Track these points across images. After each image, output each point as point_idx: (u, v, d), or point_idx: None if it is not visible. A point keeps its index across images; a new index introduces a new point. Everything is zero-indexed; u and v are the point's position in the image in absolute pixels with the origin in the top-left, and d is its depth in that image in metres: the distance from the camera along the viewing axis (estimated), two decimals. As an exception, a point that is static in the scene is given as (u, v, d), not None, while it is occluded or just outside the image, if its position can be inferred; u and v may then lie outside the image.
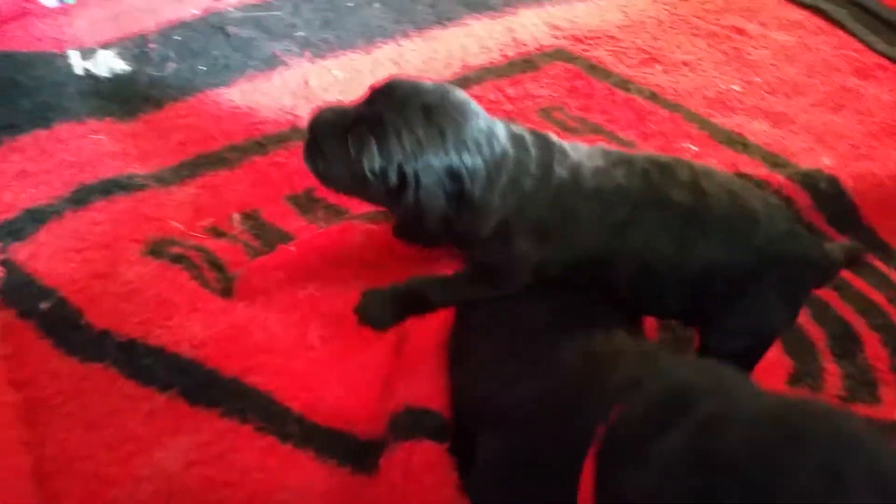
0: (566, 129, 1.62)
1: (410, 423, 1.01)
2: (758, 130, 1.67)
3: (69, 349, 1.09)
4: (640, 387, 0.80)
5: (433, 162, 0.98)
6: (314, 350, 1.15)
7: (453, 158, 0.98)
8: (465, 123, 0.99)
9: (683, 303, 1.09)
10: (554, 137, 1.09)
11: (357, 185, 1.03)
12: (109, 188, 1.30)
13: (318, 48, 1.73)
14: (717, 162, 1.55)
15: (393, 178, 0.99)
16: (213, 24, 1.73)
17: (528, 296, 1.10)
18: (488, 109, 1.61)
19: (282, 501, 0.98)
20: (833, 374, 1.24)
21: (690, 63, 1.85)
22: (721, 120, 1.69)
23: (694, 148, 1.61)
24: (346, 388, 1.11)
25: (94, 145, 1.38)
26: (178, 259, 1.22)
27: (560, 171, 1.04)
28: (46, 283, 1.16)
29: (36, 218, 1.24)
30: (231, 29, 1.73)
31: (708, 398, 0.72)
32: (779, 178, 1.46)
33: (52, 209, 1.25)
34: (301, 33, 1.76)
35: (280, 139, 1.49)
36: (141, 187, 1.33)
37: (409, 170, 0.98)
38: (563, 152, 1.06)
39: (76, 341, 1.10)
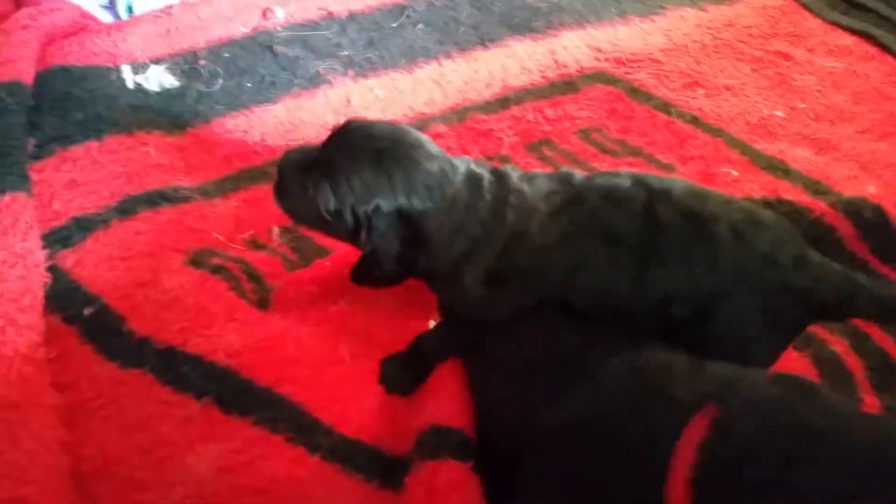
0: (605, 151, 1.61)
1: (435, 442, 1.01)
2: (800, 157, 1.64)
3: (109, 355, 1.13)
4: (722, 402, 0.80)
5: (382, 205, 0.99)
6: (344, 364, 1.16)
7: (402, 201, 1.00)
8: (415, 167, 1.00)
9: (651, 326, 1.04)
10: (514, 178, 1.06)
11: (320, 224, 1.06)
12: (155, 199, 1.34)
13: (361, 67, 1.76)
14: (757, 188, 1.53)
15: (349, 219, 1.01)
16: (261, 43, 1.77)
17: (553, 309, 1.08)
18: (526, 131, 1.65)
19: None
20: (871, 407, 1.20)
21: (733, 88, 1.82)
22: (763, 146, 1.66)
23: (734, 173, 1.58)
24: (374, 404, 1.12)
25: (143, 157, 1.42)
26: (217, 270, 1.25)
27: (511, 218, 1.02)
28: (91, 289, 1.19)
29: (83, 226, 1.28)
30: (278, 48, 1.76)
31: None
32: (821, 205, 1.42)
33: (99, 218, 1.30)
34: (345, 52, 1.79)
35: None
36: (185, 199, 1.36)
37: (360, 212, 1.00)
38: (520, 196, 1.04)
39: (117, 347, 1.13)
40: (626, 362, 0.92)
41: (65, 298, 1.18)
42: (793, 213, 1.38)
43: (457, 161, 1.06)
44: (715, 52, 1.93)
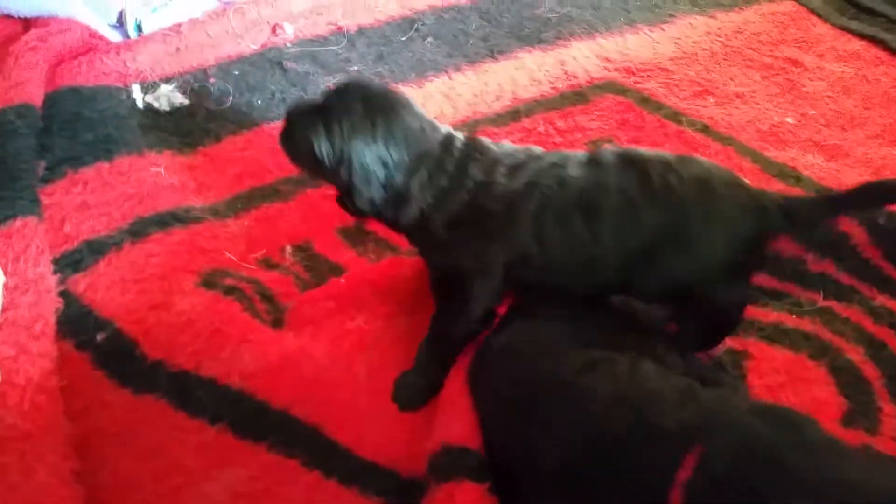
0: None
1: (449, 464, 0.98)
2: (811, 164, 1.60)
3: (123, 380, 1.10)
4: (707, 437, 0.82)
5: (363, 147, 1.10)
6: (360, 383, 1.14)
7: (380, 147, 1.10)
8: (397, 118, 1.11)
9: (621, 276, 1.12)
10: (485, 141, 1.16)
11: (313, 164, 1.13)
12: (167, 220, 1.32)
13: (371, 82, 1.74)
14: (769, 196, 1.49)
15: (332, 155, 1.11)
16: (270, 59, 1.75)
17: (546, 321, 1.09)
18: (537, 142, 1.62)
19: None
20: (890, 416, 1.16)
21: (744, 95, 1.79)
22: (774, 153, 1.62)
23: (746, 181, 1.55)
24: (391, 424, 1.09)
25: (154, 178, 1.40)
26: (230, 291, 1.22)
27: (474, 170, 1.12)
28: (103, 314, 1.17)
29: (95, 249, 1.25)
30: (288, 64, 1.74)
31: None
32: (836, 213, 1.39)
33: (111, 241, 1.27)
34: (355, 67, 1.77)
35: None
36: (197, 220, 1.34)
37: (345, 151, 1.10)
38: (486, 151, 1.14)
39: (130, 372, 1.11)
40: (609, 383, 0.93)
41: (77, 324, 1.15)
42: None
43: (439, 125, 1.17)
44: (725, 59, 1.90)
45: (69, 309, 1.17)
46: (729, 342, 1.21)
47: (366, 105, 1.10)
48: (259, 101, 1.65)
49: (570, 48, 1.89)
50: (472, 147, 1.14)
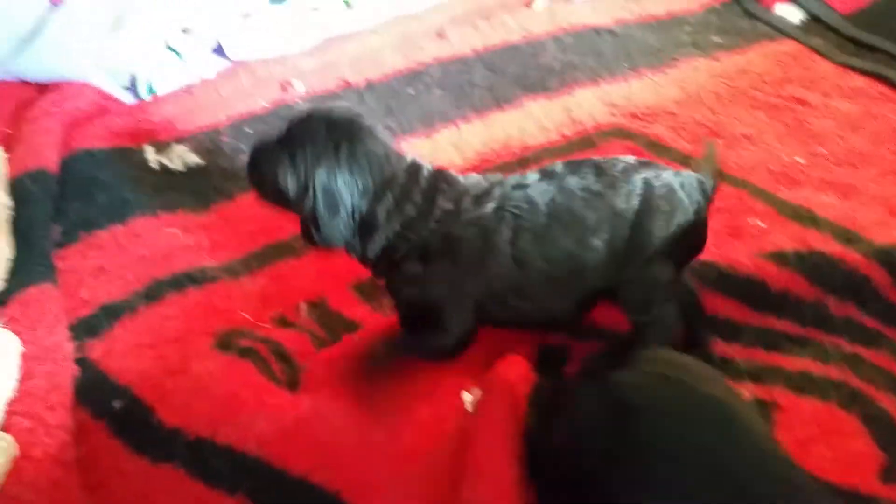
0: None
1: None
2: (826, 203, 1.57)
3: (140, 449, 1.07)
4: None
5: (327, 174, 1.08)
6: (379, 447, 1.10)
7: (345, 173, 1.08)
8: (361, 144, 1.10)
9: (606, 280, 1.14)
10: (451, 172, 1.16)
11: (279, 197, 1.13)
12: (182, 282, 1.31)
13: (380, 135, 1.74)
14: (787, 238, 1.46)
15: (296, 185, 1.10)
16: (282, 117, 1.72)
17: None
18: None
19: None
20: (931, 464, 1.12)
21: (752, 136, 1.77)
22: (787, 194, 1.60)
23: (762, 224, 1.52)
24: (414, 488, 1.05)
25: (168, 239, 1.39)
26: (246, 353, 1.20)
27: (441, 201, 1.12)
28: (119, 381, 1.15)
29: (111, 314, 1.24)
30: (298, 118, 1.75)
31: None
32: (854, 255, 1.35)
33: (126, 304, 1.26)
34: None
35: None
36: (212, 280, 1.33)
37: (309, 179, 1.09)
38: (452, 181, 1.15)
39: (147, 441, 1.08)
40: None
41: (94, 391, 1.13)
42: (827, 266, 1.33)
43: (404, 154, 1.16)
44: (730, 101, 1.89)
45: (86, 376, 1.15)
46: (756, 391, 1.18)
47: (329, 132, 1.09)
48: None
49: (574, 95, 1.89)
50: (439, 177, 1.14)
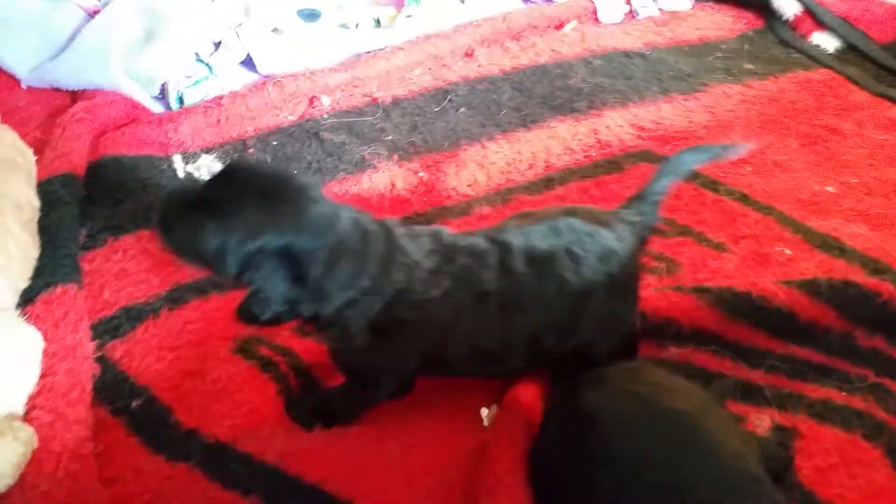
0: (653, 231, 1.58)
1: None
2: (855, 234, 1.60)
3: (157, 447, 1.12)
4: None
5: (267, 244, 0.97)
6: (394, 460, 1.14)
7: (289, 240, 0.98)
8: (302, 208, 1.00)
9: (523, 363, 1.19)
10: (398, 232, 1.10)
11: (203, 263, 1.03)
12: (205, 288, 1.36)
13: (405, 151, 1.79)
14: (812, 267, 1.49)
15: (232, 258, 0.98)
16: (307, 130, 1.82)
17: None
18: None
19: None
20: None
21: (782, 164, 1.80)
22: (816, 223, 1.62)
23: (787, 252, 1.55)
24: (426, 502, 1.08)
25: (192, 245, 1.44)
26: (266, 366, 1.25)
27: (396, 275, 1.07)
28: (139, 381, 1.20)
29: (133, 316, 1.29)
30: (324, 134, 1.81)
31: None
32: (888, 287, 1.35)
33: (149, 307, 1.31)
34: (390, 137, 1.83)
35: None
36: (235, 287, 1.36)
37: (244, 251, 0.97)
38: (404, 254, 1.09)
39: (164, 439, 1.13)
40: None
41: (113, 390, 1.19)
42: (861, 297, 1.33)
43: (340, 207, 1.06)
44: (761, 128, 1.92)
45: (106, 375, 1.20)
46: (777, 417, 1.20)
47: (261, 196, 0.99)
48: (296, 171, 1.70)
49: (603, 117, 1.93)
50: (391, 244, 1.08)
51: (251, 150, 1.74)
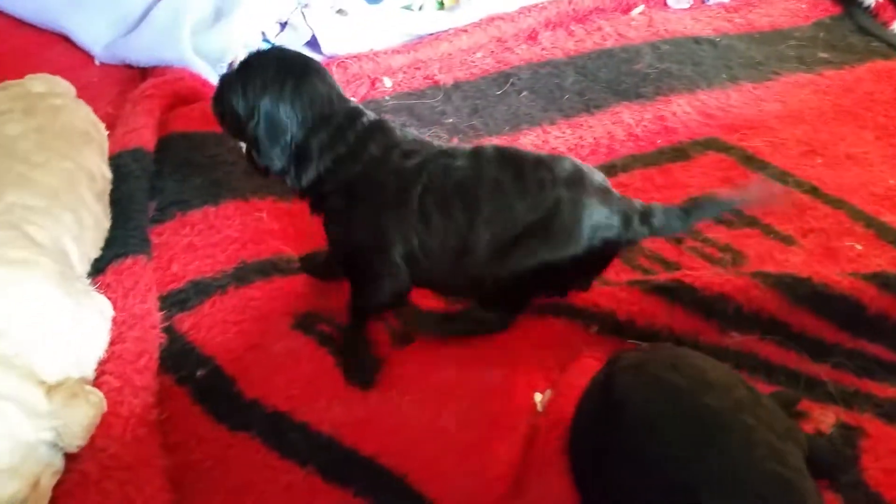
0: (719, 222, 1.57)
1: None
2: (933, 230, 1.55)
3: (219, 416, 1.16)
4: None
5: (271, 104, 1.21)
6: (449, 436, 1.16)
7: (287, 105, 1.21)
8: (306, 81, 1.23)
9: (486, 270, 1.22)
10: (390, 124, 1.28)
11: (233, 122, 1.26)
12: (268, 270, 1.39)
13: (465, 134, 1.80)
14: (885, 263, 1.45)
15: (246, 112, 1.23)
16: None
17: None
18: (634, 198, 1.60)
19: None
20: None
21: (855, 156, 1.76)
22: (890, 218, 1.58)
23: (858, 247, 1.51)
24: (479, 480, 1.10)
25: (257, 223, 1.48)
26: (325, 340, 1.28)
27: (373, 148, 1.23)
28: (204, 351, 1.25)
29: (201, 290, 1.34)
30: (386, 116, 1.81)
31: None
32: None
33: (216, 283, 1.35)
34: (450, 120, 1.84)
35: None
36: (297, 272, 1.40)
37: (255, 106, 1.21)
38: (387, 133, 1.25)
39: (227, 409, 1.17)
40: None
41: (179, 359, 1.23)
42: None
43: (351, 100, 1.28)
44: (834, 119, 1.88)
45: (172, 345, 1.25)
46: (842, 415, 1.17)
47: (279, 66, 1.23)
48: None
49: (670, 104, 1.90)
50: (377, 127, 1.25)
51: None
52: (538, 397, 1.21)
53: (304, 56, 1.29)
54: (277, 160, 1.23)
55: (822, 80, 2.01)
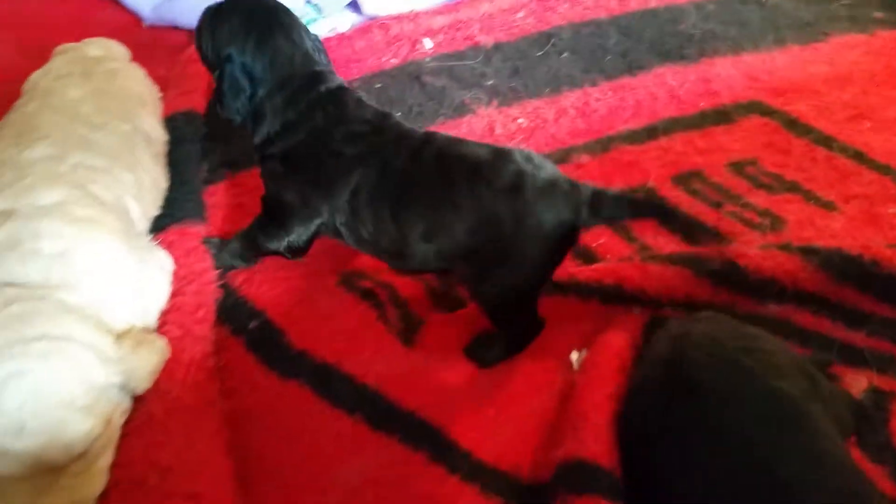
0: (759, 186, 1.63)
1: (582, 478, 1.05)
2: (982, 199, 1.58)
3: (271, 364, 1.28)
4: None
5: (234, 56, 1.26)
6: (484, 393, 1.26)
7: (248, 60, 1.26)
8: (270, 38, 1.27)
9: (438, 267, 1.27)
10: (352, 95, 1.31)
11: (207, 66, 1.35)
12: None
13: (505, 96, 1.87)
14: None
15: (213, 58, 1.30)
16: (410, 73, 1.92)
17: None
18: (675, 162, 1.67)
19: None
20: None
21: (905, 121, 1.78)
22: (939, 185, 1.61)
23: (902, 213, 1.55)
24: (514, 432, 1.20)
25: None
26: (367, 296, 1.38)
27: (319, 119, 1.26)
28: (256, 305, 1.37)
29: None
30: (426, 78, 1.91)
31: None
32: None
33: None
34: (490, 82, 1.91)
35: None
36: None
37: (220, 56, 1.28)
38: (340, 108, 1.27)
39: (278, 358, 1.29)
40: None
41: (233, 312, 1.35)
42: None
43: (318, 61, 1.32)
44: (885, 82, 1.90)
45: (227, 299, 1.36)
46: (876, 381, 1.24)
47: (246, 17, 1.27)
48: (398, 114, 1.76)
49: (714, 66, 1.95)
50: (332, 96, 1.28)
51: (357, 93, 1.85)
52: (574, 355, 1.30)
53: (274, 6, 1.32)
54: (237, 114, 1.29)
55: (875, 40, 2.03)
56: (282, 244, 1.34)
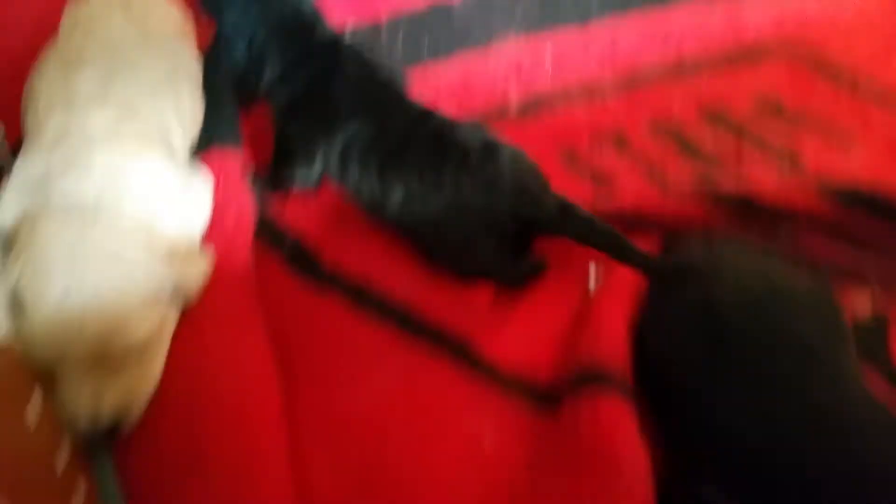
0: (783, 122, 1.68)
1: (598, 378, 1.18)
2: None
3: (307, 279, 1.43)
4: None
5: (233, 17, 1.41)
6: (503, 305, 1.39)
7: (248, 20, 1.40)
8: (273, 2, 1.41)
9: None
10: (349, 50, 1.44)
11: (207, 14, 1.49)
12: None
13: (532, 26, 1.92)
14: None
15: (212, 7, 1.45)
16: (438, 17, 1.96)
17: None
18: (699, 99, 1.73)
19: (472, 424, 1.25)
20: None
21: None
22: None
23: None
24: (533, 340, 1.34)
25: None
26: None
27: (317, 66, 1.39)
28: (292, 227, 1.51)
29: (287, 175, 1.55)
30: (455, 9, 1.96)
31: None
32: None
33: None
34: (518, 16, 1.95)
35: (488, 118, 1.70)
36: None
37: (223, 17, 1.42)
38: (331, 58, 1.41)
39: (312, 275, 1.44)
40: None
41: (271, 231, 1.49)
42: None
43: (311, 13, 1.47)
44: (914, 20, 1.90)
45: (263, 221, 1.50)
46: (878, 296, 1.33)
47: None
48: (425, 46, 1.88)
49: (741, 3, 1.96)
50: (326, 49, 1.42)
51: (383, 37, 1.91)
52: (592, 269, 1.41)
53: None
54: (241, 60, 1.42)
55: (905, -22, 2.03)
56: (293, 187, 1.49)
